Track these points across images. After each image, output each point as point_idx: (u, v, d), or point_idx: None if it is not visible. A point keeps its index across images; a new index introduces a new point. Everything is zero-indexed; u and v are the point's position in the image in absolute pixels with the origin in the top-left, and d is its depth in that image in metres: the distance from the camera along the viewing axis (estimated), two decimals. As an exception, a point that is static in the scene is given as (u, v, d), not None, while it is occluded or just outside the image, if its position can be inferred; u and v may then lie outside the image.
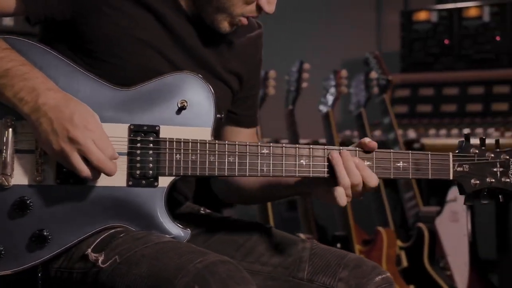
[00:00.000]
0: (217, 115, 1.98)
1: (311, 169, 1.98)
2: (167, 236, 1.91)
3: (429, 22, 5.48)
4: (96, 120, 1.83)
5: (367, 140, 1.98)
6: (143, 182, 1.91)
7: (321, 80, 4.33)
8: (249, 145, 1.97)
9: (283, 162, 1.98)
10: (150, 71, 1.99)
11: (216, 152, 1.95)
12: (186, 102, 1.94)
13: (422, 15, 5.52)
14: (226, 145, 1.96)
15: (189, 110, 1.95)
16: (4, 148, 1.86)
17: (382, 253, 3.79)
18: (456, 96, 5.30)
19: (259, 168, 1.97)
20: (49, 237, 1.86)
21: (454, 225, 3.97)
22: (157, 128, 1.92)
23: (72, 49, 1.98)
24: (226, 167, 1.95)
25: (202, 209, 2.34)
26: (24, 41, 1.91)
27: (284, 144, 2.00)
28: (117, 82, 1.95)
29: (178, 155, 1.93)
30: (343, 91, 4.19)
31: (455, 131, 4.91)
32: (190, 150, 1.93)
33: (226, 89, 2.18)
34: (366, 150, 1.98)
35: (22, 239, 1.86)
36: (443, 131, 4.92)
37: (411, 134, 4.74)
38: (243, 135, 2.25)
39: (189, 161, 1.93)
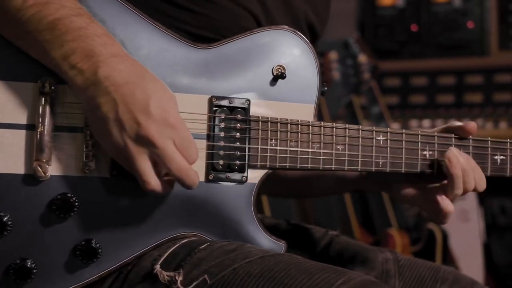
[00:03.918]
0: (321, 88, 1.48)
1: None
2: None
3: (395, 7, 5.12)
4: (176, 108, 1.30)
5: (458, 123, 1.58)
6: (228, 176, 1.40)
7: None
8: (361, 130, 1.48)
9: (403, 156, 1.51)
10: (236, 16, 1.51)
11: (322, 138, 1.45)
12: (284, 69, 1.44)
13: (386, 0, 5.15)
14: (334, 128, 1.46)
15: (287, 80, 1.45)
16: (40, 123, 1.30)
17: (396, 259, 3.32)
18: (424, 86, 4.96)
19: (373, 160, 1.49)
20: (100, 250, 1.34)
21: (464, 226, 3.58)
22: (246, 103, 1.41)
23: None
24: (333, 158, 1.46)
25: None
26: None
27: (404, 130, 1.52)
28: (195, 35, 1.45)
29: (273, 140, 1.42)
30: (334, 77, 3.73)
31: (426, 122, 4.58)
32: (289, 135, 1.43)
33: None
34: (462, 136, 1.57)
35: (62, 253, 1.34)
36: (413, 123, 4.59)
37: (394, 126, 4.36)
38: None
39: (287, 150, 1.43)
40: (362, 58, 3.85)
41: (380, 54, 4.95)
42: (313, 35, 1.72)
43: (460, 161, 1.50)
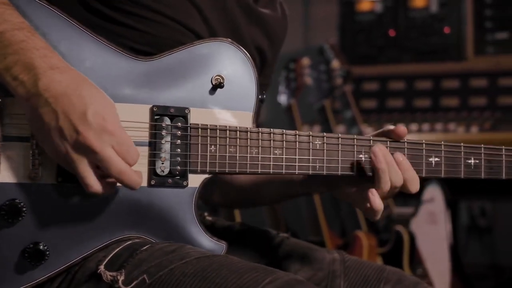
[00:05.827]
0: (259, 96, 1.57)
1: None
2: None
3: (373, 13, 5.18)
4: (114, 115, 1.39)
5: (391, 126, 1.63)
6: (169, 181, 1.48)
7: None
8: (298, 135, 1.56)
9: (339, 159, 1.58)
10: (177, 31, 1.58)
11: (260, 144, 1.53)
12: (223, 79, 1.53)
13: (365, 5, 5.21)
14: (272, 134, 1.54)
15: (226, 89, 1.53)
16: (-12, 134, 1.39)
17: (362, 261, 3.38)
18: (402, 91, 5.02)
19: (310, 164, 1.57)
20: (47, 252, 1.42)
21: (431, 228, 3.65)
22: (186, 111, 1.50)
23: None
24: (271, 163, 1.54)
25: (206, 214, 1.92)
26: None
27: (340, 135, 1.60)
28: (137, 50, 1.52)
29: (213, 146, 1.50)
30: (306, 82, 3.81)
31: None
32: (227, 141, 1.51)
33: None
34: (395, 139, 1.62)
35: (12, 256, 1.42)
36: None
37: (367, 131, 4.41)
38: None
39: (227, 155, 1.51)
40: (335, 64, 3.93)
41: (359, 59, 5.03)
42: (262, 59, 1.80)
43: (385, 155, 1.57)
